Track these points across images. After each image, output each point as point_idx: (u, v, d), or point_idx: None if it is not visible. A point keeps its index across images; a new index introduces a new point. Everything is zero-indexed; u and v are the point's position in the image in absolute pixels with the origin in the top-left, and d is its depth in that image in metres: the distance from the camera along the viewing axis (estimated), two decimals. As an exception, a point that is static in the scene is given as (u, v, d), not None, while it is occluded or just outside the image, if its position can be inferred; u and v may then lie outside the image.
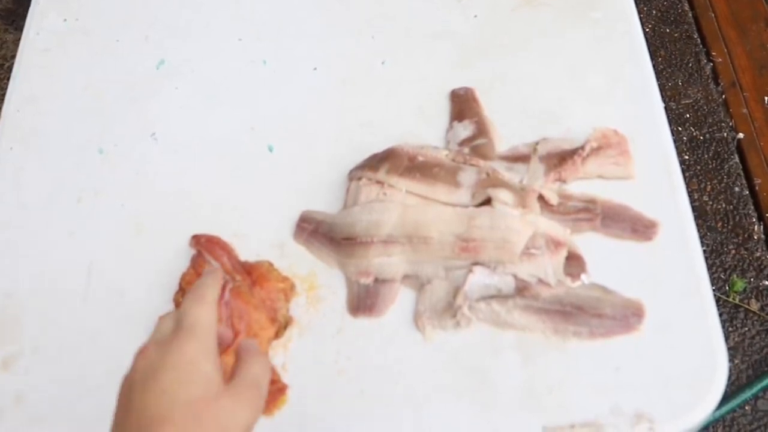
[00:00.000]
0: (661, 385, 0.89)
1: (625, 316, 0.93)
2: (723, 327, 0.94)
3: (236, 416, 0.64)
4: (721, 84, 2.35)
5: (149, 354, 0.67)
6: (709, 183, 2.18)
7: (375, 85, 1.17)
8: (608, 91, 1.13)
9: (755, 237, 2.08)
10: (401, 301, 0.97)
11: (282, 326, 0.94)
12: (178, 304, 0.96)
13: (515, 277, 0.94)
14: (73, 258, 1.03)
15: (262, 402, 0.67)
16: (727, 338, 1.89)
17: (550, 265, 0.95)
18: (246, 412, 0.65)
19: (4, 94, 1.18)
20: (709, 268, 1.85)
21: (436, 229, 0.97)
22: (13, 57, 1.25)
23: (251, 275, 0.96)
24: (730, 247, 2.07)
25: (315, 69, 1.19)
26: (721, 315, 1.88)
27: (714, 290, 1.48)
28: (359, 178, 1.03)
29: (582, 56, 1.17)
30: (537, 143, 1.07)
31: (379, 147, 1.07)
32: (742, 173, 2.20)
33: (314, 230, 1.02)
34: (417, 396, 0.90)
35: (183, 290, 0.96)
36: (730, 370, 1.87)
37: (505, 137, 1.09)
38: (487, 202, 0.98)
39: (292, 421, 0.90)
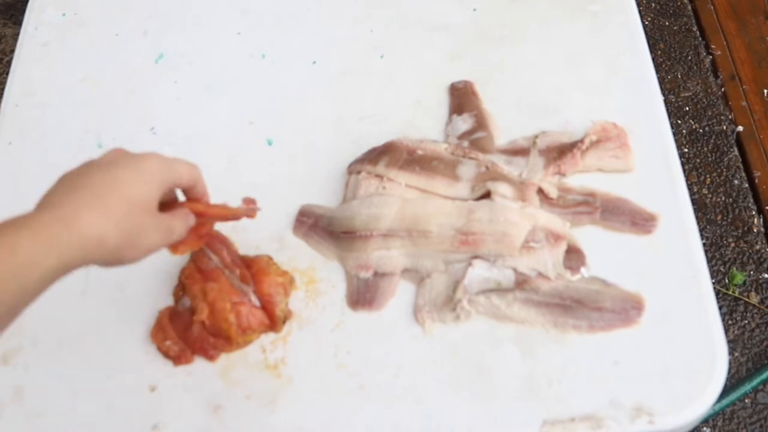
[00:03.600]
0: (660, 378, 0.89)
1: (625, 309, 0.93)
2: (723, 320, 0.94)
3: (148, 234, 0.74)
4: (721, 77, 2.35)
5: (120, 151, 0.77)
6: (708, 176, 2.18)
7: (374, 78, 1.17)
8: (607, 84, 1.13)
9: (755, 230, 2.08)
10: (401, 294, 0.97)
11: (281, 320, 0.94)
12: (177, 298, 0.96)
13: (515, 270, 0.94)
14: (72, 252, 1.03)
15: (165, 243, 0.78)
16: (726, 331, 1.89)
17: (549, 259, 0.95)
18: (153, 238, 0.75)
19: (3, 88, 1.17)
20: (709, 261, 1.85)
21: (436, 222, 0.97)
22: (12, 51, 1.25)
23: (251, 269, 0.96)
24: (730, 239, 2.07)
25: (314, 62, 1.19)
26: (720, 308, 1.89)
27: (714, 283, 1.48)
28: (358, 172, 1.03)
29: (581, 48, 1.17)
30: (536, 136, 1.06)
31: (378, 140, 1.07)
32: (741, 166, 2.20)
33: (313, 224, 1.02)
34: (417, 390, 0.90)
35: (182, 284, 0.96)
36: (730, 363, 1.88)
37: (504, 129, 1.09)
38: (487, 195, 0.98)
39: (292, 415, 0.90)
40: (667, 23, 2.49)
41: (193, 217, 0.84)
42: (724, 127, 2.26)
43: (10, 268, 0.64)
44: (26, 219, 0.68)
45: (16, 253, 0.64)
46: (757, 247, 2.06)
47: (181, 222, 0.80)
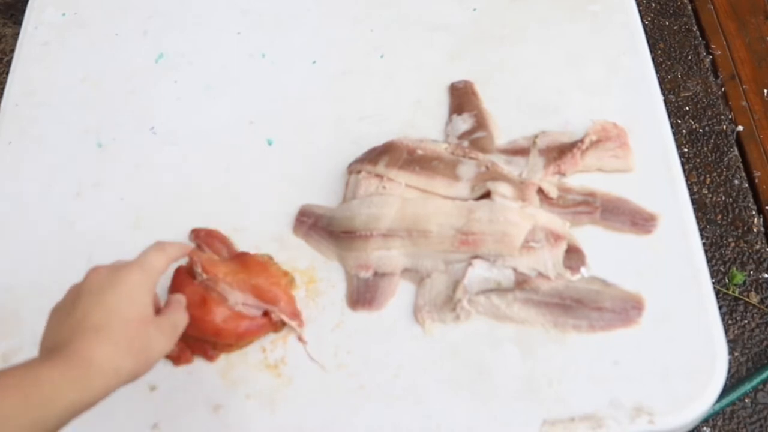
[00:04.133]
0: (660, 378, 0.89)
1: (625, 309, 0.93)
2: (723, 320, 0.94)
3: (156, 342, 0.76)
4: (721, 76, 2.35)
5: (101, 273, 0.78)
6: (708, 176, 2.18)
7: (374, 78, 1.17)
8: (607, 84, 1.13)
9: (755, 230, 2.08)
10: (401, 294, 0.97)
11: (281, 320, 0.94)
12: None
13: (515, 270, 0.94)
14: (72, 251, 1.03)
15: (174, 341, 0.79)
16: (726, 331, 1.89)
17: (549, 258, 0.95)
18: (163, 343, 0.77)
19: (3, 88, 1.17)
20: (709, 260, 1.85)
21: (436, 222, 0.97)
22: (12, 51, 1.25)
23: (249, 266, 0.96)
24: (730, 239, 2.07)
25: (314, 62, 1.19)
26: (720, 308, 1.89)
27: (713, 283, 1.48)
28: (358, 172, 1.03)
29: (581, 48, 1.17)
30: (536, 136, 1.06)
31: (378, 140, 1.07)
32: (741, 166, 2.20)
33: (313, 224, 1.02)
34: (417, 390, 0.90)
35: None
36: (730, 363, 1.88)
37: (504, 128, 1.09)
38: (487, 195, 0.98)
39: (292, 414, 0.90)
40: (667, 23, 2.49)
41: (183, 298, 0.86)
42: (724, 127, 2.26)
43: (35, 400, 0.66)
44: (48, 358, 0.71)
45: (42, 387, 0.67)
46: (757, 247, 2.06)
47: (179, 313, 0.83)
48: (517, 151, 1.06)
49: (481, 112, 1.10)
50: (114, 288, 0.76)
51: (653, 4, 2.53)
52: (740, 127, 2.25)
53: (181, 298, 0.86)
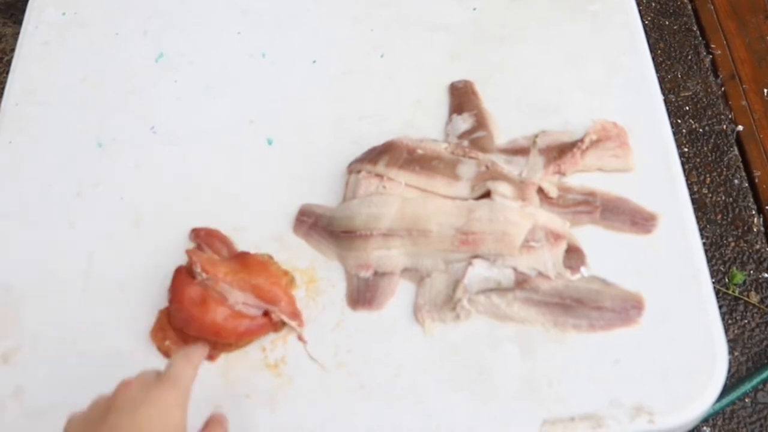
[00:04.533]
0: (660, 378, 0.89)
1: (625, 308, 0.93)
2: (723, 319, 0.94)
3: None
4: (721, 76, 2.35)
5: (133, 389, 0.76)
6: (708, 175, 2.18)
7: (374, 77, 1.17)
8: (607, 84, 1.13)
9: (755, 229, 2.08)
10: (401, 294, 0.97)
11: (281, 319, 0.94)
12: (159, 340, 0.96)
13: (515, 269, 0.94)
14: (72, 250, 1.03)
15: None
16: (726, 330, 1.89)
17: (549, 258, 0.95)
18: None
19: (3, 87, 1.17)
20: (709, 260, 1.85)
21: (436, 221, 0.97)
22: (13, 50, 1.25)
23: (249, 265, 0.96)
24: (730, 239, 2.07)
25: (314, 62, 1.19)
26: (720, 307, 1.89)
27: (714, 283, 1.48)
28: (358, 171, 1.03)
29: (581, 48, 1.17)
30: (536, 136, 1.06)
31: (378, 140, 1.07)
32: (741, 165, 2.20)
33: (314, 223, 1.02)
34: (417, 389, 0.90)
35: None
36: (730, 363, 1.88)
37: (504, 128, 1.09)
38: (487, 194, 0.98)
39: (292, 414, 0.90)
40: (667, 23, 2.49)
41: (225, 419, 0.85)
42: (724, 127, 2.26)
43: None
44: None
45: None
46: (757, 246, 2.06)
47: None
48: (517, 151, 1.06)
49: (481, 112, 1.10)
50: (147, 407, 0.73)
51: (653, 4, 2.53)
52: (740, 127, 2.25)
53: (222, 420, 0.84)
